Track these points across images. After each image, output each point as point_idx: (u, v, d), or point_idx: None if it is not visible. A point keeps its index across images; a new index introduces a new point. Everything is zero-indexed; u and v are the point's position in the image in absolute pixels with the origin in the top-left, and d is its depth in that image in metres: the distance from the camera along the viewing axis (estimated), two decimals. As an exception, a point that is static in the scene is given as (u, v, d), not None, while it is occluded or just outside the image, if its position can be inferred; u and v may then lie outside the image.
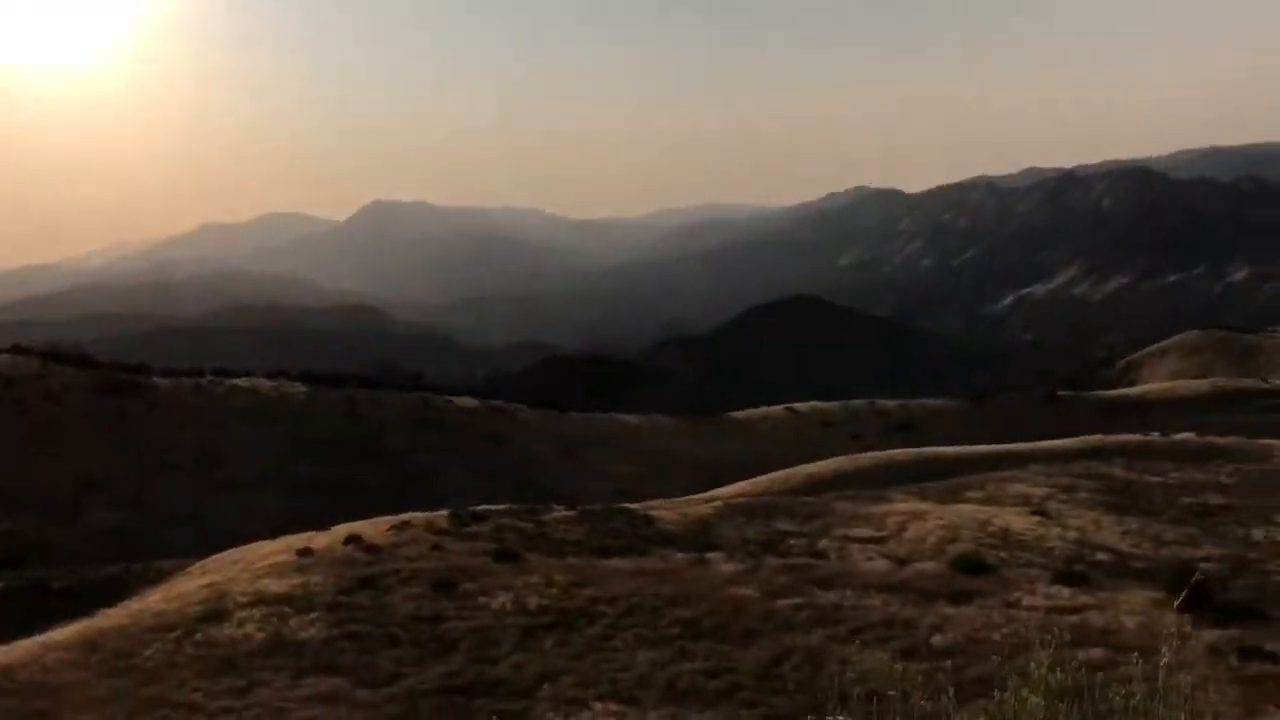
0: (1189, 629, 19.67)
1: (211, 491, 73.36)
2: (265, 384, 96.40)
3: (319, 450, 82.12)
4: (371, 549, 30.49)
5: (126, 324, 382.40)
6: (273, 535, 42.26)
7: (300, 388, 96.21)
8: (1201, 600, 21.10)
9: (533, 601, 24.44)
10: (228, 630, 23.23)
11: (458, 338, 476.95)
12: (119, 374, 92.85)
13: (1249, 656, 17.14)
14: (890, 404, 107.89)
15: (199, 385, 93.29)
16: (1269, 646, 17.61)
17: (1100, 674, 15.48)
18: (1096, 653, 17.34)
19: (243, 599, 25.71)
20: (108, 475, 73.76)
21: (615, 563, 28.82)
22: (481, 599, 25.01)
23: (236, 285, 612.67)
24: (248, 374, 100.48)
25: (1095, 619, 20.83)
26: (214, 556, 37.79)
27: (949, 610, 22.60)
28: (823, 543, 33.27)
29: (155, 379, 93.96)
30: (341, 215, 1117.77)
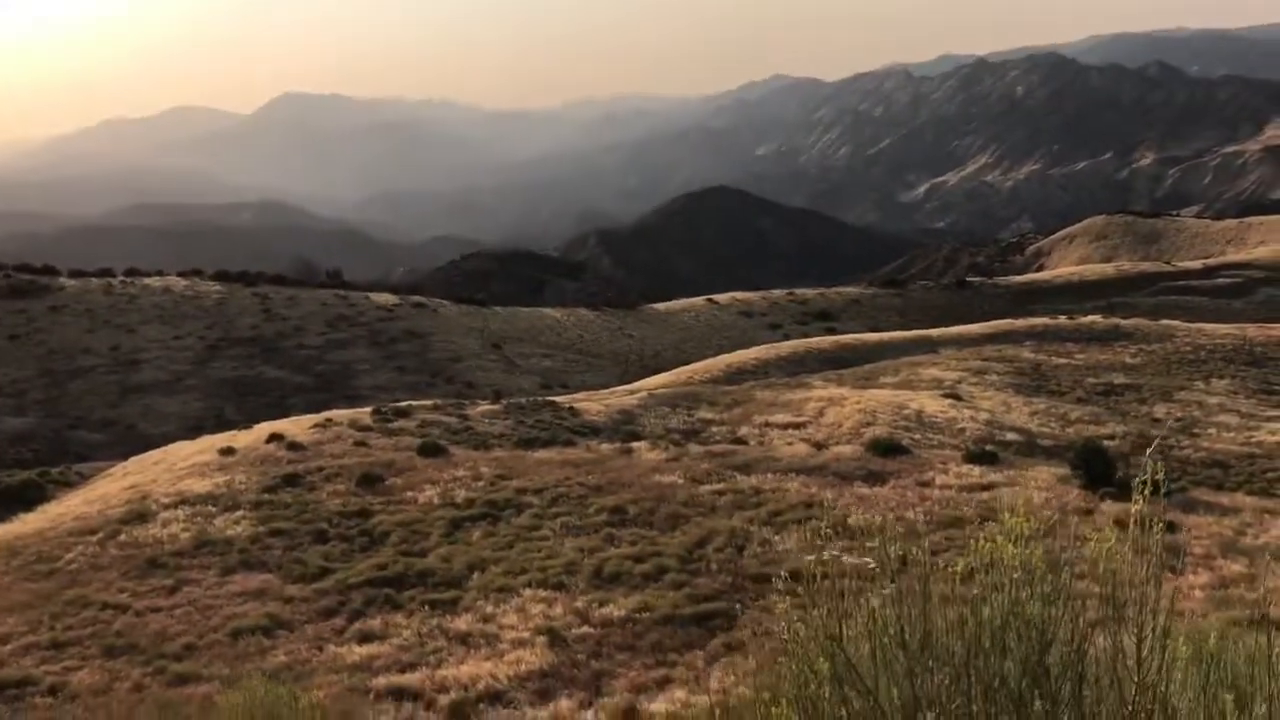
0: (1095, 503, 20.62)
1: (126, 394, 72.00)
2: (178, 283, 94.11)
3: (235, 349, 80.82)
4: (295, 447, 30.39)
5: (26, 222, 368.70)
6: (192, 436, 41.83)
7: (214, 286, 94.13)
8: (1106, 475, 22.08)
9: (460, 494, 24.69)
10: (152, 530, 23.13)
11: (375, 234, 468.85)
12: (22, 276, 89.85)
13: (1148, 528, 18.04)
14: (808, 293, 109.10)
15: (109, 286, 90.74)
16: (1169, 518, 18.56)
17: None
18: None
19: (166, 499, 25.56)
20: (15, 380, 71.94)
21: (541, 454, 29.14)
22: (408, 493, 25.18)
23: (143, 182, 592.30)
24: (159, 274, 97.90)
25: (1004, 495, 21.70)
26: (134, 458, 37.35)
27: (865, 491, 23.36)
28: (744, 429, 33.93)
29: (62, 280, 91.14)
30: (249, 108, 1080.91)
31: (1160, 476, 2.03)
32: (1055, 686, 1.69)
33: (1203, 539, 18.46)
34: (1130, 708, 1.61)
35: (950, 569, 1.95)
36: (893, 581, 1.95)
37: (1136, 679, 1.64)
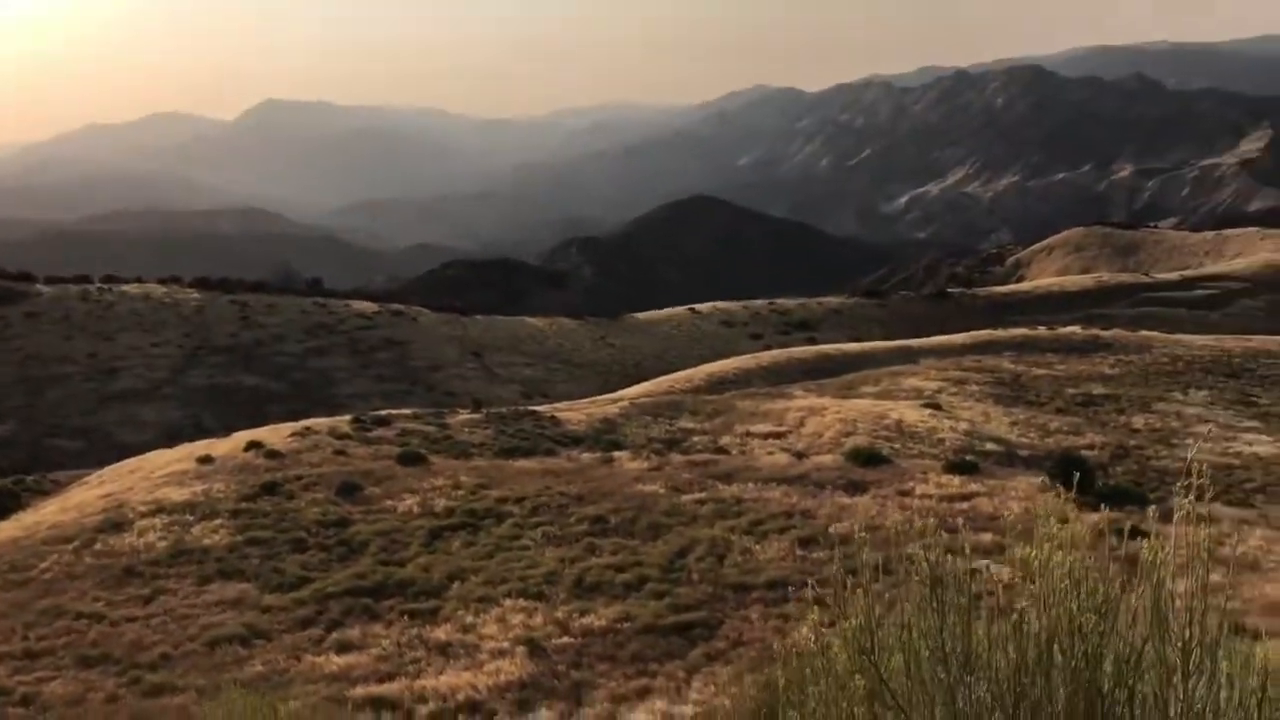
0: (1074, 512, 20.66)
1: (103, 401, 71.52)
2: (157, 290, 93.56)
3: (214, 357, 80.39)
4: (273, 455, 30.21)
5: (2, 228, 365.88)
6: (169, 444, 41.56)
7: (193, 294, 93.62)
8: (1085, 485, 22.16)
9: (439, 504, 24.57)
10: (128, 539, 22.93)
11: (357, 241, 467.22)
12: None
13: (1130, 537, 18.10)
14: (789, 303, 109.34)
15: (87, 292, 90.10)
16: (1145, 526, 18.62)
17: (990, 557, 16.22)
18: (986, 537, 18.13)
19: (143, 508, 25.36)
20: (-9, 387, 71.35)
21: (522, 463, 29.06)
22: (388, 502, 25.06)
23: (122, 188, 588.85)
24: (138, 280, 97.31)
25: (984, 505, 21.75)
26: (110, 467, 37.07)
27: (846, 500, 23.36)
28: (725, 439, 33.93)
29: (39, 286, 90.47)
30: (230, 114, 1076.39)
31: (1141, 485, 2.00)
32: (1107, 705, 1.64)
33: (1182, 548, 18.52)
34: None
35: (993, 578, 1.91)
36: (932, 590, 1.88)
37: (1182, 696, 1.60)
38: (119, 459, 39.11)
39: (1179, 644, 1.64)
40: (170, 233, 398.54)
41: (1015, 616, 1.82)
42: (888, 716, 1.81)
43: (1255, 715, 1.62)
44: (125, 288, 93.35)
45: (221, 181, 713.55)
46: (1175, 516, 1.73)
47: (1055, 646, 1.72)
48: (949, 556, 2.14)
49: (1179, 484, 1.69)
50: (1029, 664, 1.73)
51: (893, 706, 1.80)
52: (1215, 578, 1.81)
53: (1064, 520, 1.89)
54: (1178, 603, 1.70)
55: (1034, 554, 1.86)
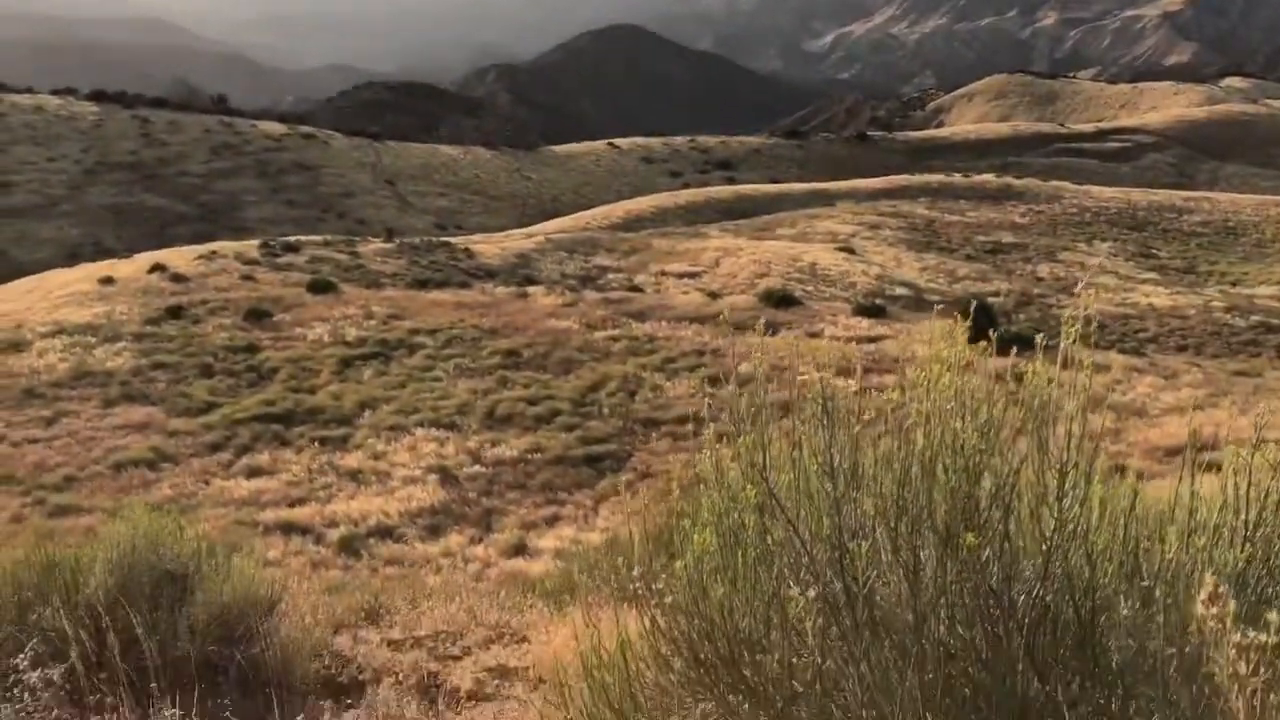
0: (974, 357, 21.29)
1: (-4, 218, 68.68)
2: (50, 102, 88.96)
3: (114, 175, 77.34)
4: (178, 278, 29.49)
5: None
6: (68, 264, 40.31)
7: (91, 107, 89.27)
8: (986, 330, 22.77)
9: (351, 333, 24.37)
10: (27, 360, 22.39)
11: (263, 58, 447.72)
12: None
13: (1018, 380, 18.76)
14: (710, 140, 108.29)
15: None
16: (1032, 363, 19.27)
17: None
18: (889, 379, 18.64)
19: (42, 329, 24.70)
20: (-126, 199, 67.99)
21: (435, 295, 28.83)
22: (298, 330, 24.76)
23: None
24: (29, 90, 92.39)
25: (890, 348, 22.29)
26: (5, 285, 35.87)
27: (756, 340, 23.74)
28: (640, 277, 33.99)
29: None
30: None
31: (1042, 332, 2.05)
32: (983, 520, 1.73)
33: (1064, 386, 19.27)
34: (1049, 544, 1.67)
35: (884, 395, 1.96)
36: (823, 408, 1.95)
37: (1056, 515, 1.69)
38: (15, 278, 37.83)
39: (1056, 467, 1.73)
40: (64, 40, 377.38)
41: (900, 434, 1.90)
42: (776, 529, 1.90)
43: (1123, 533, 1.72)
44: (16, 98, 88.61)
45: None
46: (1060, 357, 1.79)
47: (938, 465, 1.81)
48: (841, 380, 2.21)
49: (1065, 326, 1.74)
50: (912, 480, 1.82)
51: (781, 518, 1.89)
52: (1098, 420, 1.87)
53: (954, 343, 1.93)
54: (1058, 429, 1.78)
55: (922, 374, 1.93)
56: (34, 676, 3.26)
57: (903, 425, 1.91)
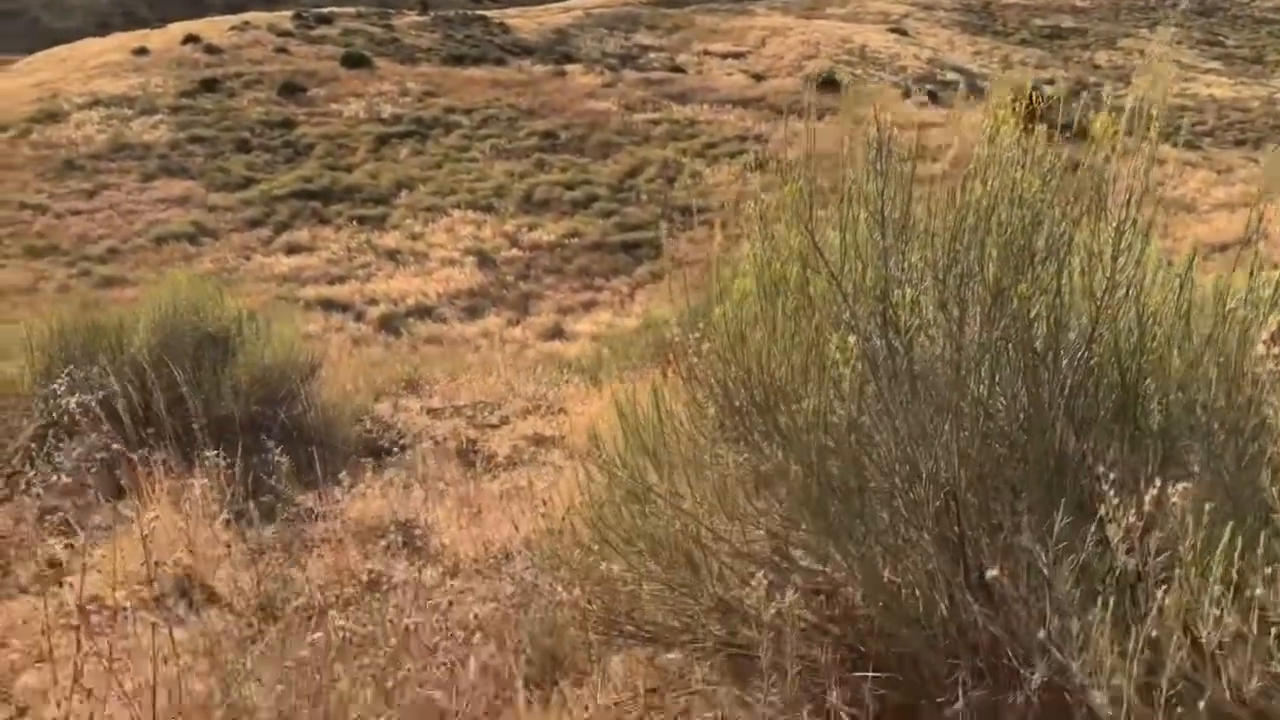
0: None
1: (25, -15, 67.09)
2: None
3: (142, -58, 74.91)
4: (212, 50, 28.94)
5: None
6: (100, 33, 39.59)
7: None
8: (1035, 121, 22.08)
9: (386, 110, 24.01)
10: (65, 131, 22.32)
11: None
12: None
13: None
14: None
15: None
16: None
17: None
18: (937, 167, 18.25)
19: (78, 99, 24.49)
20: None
21: (470, 71, 28.17)
22: (332, 106, 24.41)
23: None
24: None
25: (937, 135, 21.72)
26: (39, 54, 35.39)
27: (799, 125, 23.18)
28: (682, 57, 32.97)
29: None
30: None
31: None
32: (1035, 275, 1.68)
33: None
34: (1098, 304, 1.62)
35: (941, 146, 1.88)
36: (878, 153, 1.86)
37: (1109, 274, 1.64)
38: (48, 46, 37.26)
39: (1114, 224, 1.67)
40: None
41: (959, 181, 1.83)
42: (819, 281, 1.85)
43: (1176, 297, 1.68)
44: None
45: None
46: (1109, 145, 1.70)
47: (994, 218, 1.74)
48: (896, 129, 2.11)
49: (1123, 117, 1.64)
50: (965, 231, 1.75)
51: (823, 270, 1.84)
52: (1152, 214, 1.79)
53: (1018, 94, 1.84)
54: (1118, 185, 1.71)
55: (985, 121, 1.84)
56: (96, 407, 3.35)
57: (961, 175, 1.84)
